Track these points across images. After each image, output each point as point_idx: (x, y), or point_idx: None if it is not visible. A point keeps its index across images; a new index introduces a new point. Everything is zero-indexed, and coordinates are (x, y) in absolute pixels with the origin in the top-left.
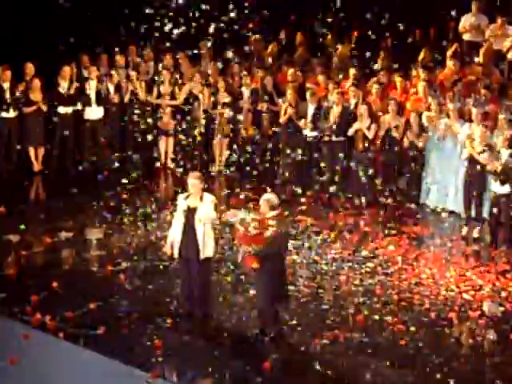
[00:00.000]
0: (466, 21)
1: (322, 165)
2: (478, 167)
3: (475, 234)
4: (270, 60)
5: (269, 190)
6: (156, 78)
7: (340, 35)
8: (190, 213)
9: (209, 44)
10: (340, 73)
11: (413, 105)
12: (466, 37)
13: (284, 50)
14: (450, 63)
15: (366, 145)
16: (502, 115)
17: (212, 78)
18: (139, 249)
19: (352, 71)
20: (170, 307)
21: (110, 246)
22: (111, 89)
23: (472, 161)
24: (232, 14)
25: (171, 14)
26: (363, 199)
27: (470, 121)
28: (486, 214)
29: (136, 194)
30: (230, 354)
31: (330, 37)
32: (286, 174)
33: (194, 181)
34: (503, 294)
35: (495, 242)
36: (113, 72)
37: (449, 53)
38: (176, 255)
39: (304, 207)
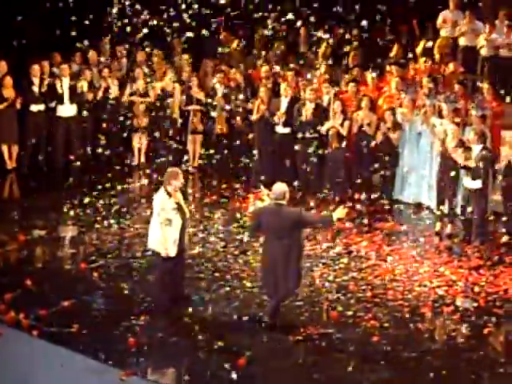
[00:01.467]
0: (444, 17)
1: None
2: (451, 163)
3: (448, 230)
4: (239, 56)
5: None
6: (129, 74)
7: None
8: (180, 209)
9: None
10: (311, 70)
11: (385, 101)
12: (443, 33)
13: (255, 46)
14: (422, 60)
15: (340, 141)
16: (474, 111)
17: (185, 74)
18: (113, 246)
19: (323, 69)
20: (145, 305)
21: (83, 243)
22: (84, 86)
23: (445, 157)
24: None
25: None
26: (337, 195)
27: (441, 117)
28: (458, 210)
29: (109, 191)
30: (205, 351)
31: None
32: (260, 171)
33: (181, 178)
34: (476, 289)
35: (468, 237)
36: (85, 69)
37: (419, 49)
38: (174, 253)
39: None
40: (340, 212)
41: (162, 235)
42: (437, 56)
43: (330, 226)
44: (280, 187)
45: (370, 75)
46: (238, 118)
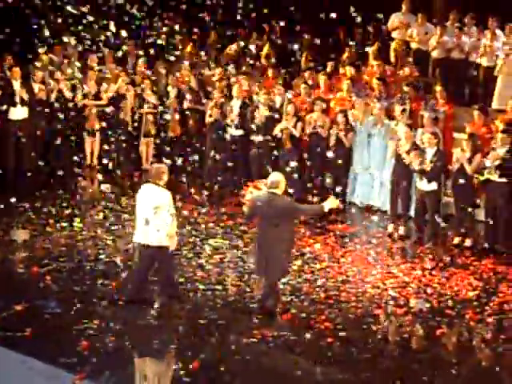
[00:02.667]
0: (395, 19)
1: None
2: (404, 165)
3: (401, 232)
4: (193, 59)
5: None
6: (81, 77)
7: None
8: None
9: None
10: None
11: (337, 103)
12: (395, 35)
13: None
14: (374, 62)
15: (293, 143)
16: (427, 113)
17: (138, 77)
18: (65, 250)
19: (270, 70)
20: (97, 308)
21: (35, 247)
22: (36, 89)
23: (398, 159)
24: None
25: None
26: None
27: (393, 119)
28: (412, 212)
29: (61, 194)
30: (157, 355)
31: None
32: (213, 174)
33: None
34: (429, 290)
35: (421, 238)
36: (38, 72)
37: (371, 51)
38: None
39: (231, 206)
40: (331, 202)
41: (174, 229)
42: (392, 59)
43: (320, 215)
44: (275, 176)
45: (323, 77)
46: (191, 121)
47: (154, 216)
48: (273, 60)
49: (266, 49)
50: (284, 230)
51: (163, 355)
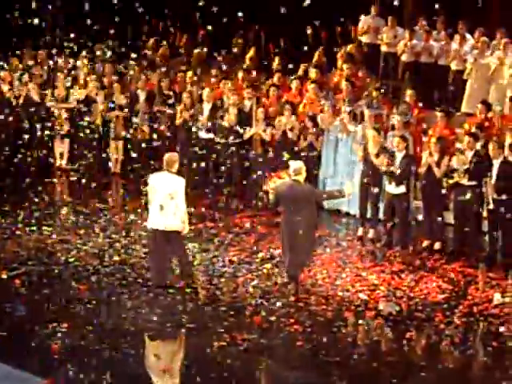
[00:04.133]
0: (365, 23)
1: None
2: (373, 168)
3: (370, 235)
4: (161, 62)
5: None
6: (51, 79)
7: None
8: None
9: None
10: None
11: (306, 107)
12: (364, 39)
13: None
14: (344, 66)
15: (264, 147)
16: (396, 117)
17: (107, 80)
18: (34, 253)
19: (240, 74)
20: (67, 311)
21: (4, 250)
22: (5, 89)
23: (367, 162)
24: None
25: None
26: (260, 201)
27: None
28: (381, 215)
29: (31, 196)
30: (127, 358)
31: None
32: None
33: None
34: (398, 293)
35: (390, 242)
36: (5, 74)
37: (339, 54)
38: None
39: (201, 210)
40: (349, 186)
41: (186, 214)
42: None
43: (339, 198)
44: (297, 164)
45: (294, 81)
46: (162, 124)
47: (170, 202)
48: (254, 63)
49: (251, 52)
50: (307, 215)
51: (133, 358)
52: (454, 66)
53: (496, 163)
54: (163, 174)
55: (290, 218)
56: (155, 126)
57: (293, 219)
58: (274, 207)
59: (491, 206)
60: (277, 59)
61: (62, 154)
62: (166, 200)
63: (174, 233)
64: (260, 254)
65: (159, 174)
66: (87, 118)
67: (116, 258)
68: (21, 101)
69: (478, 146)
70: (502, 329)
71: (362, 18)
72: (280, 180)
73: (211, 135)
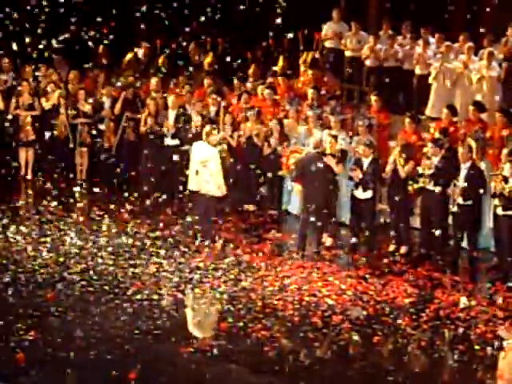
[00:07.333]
0: (328, 28)
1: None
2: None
3: (337, 240)
4: (130, 69)
5: None
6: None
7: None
8: None
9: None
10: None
11: (271, 112)
12: (328, 44)
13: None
14: (309, 71)
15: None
16: (360, 122)
17: (72, 87)
18: (1, 261)
19: (207, 80)
20: (34, 319)
21: None
22: None
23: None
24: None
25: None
26: (226, 206)
27: (329, 128)
28: (347, 220)
29: None
30: (92, 366)
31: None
32: (149, 183)
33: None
34: (365, 297)
35: (356, 246)
36: None
37: (301, 60)
38: None
39: (167, 216)
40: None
41: (221, 180)
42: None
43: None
44: (315, 138)
45: (261, 87)
46: (128, 130)
47: (203, 169)
48: (214, 68)
49: (209, 57)
50: (327, 184)
51: (102, 364)
52: (418, 71)
53: (464, 168)
54: (200, 143)
55: (309, 189)
56: (120, 132)
57: (313, 190)
58: (295, 180)
59: (455, 209)
60: (253, 66)
61: (26, 163)
62: (199, 167)
63: (206, 196)
64: (227, 260)
65: (198, 142)
66: (51, 126)
67: (82, 266)
68: None
69: (443, 151)
70: (468, 332)
71: (326, 24)
72: (298, 155)
73: (177, 141)
